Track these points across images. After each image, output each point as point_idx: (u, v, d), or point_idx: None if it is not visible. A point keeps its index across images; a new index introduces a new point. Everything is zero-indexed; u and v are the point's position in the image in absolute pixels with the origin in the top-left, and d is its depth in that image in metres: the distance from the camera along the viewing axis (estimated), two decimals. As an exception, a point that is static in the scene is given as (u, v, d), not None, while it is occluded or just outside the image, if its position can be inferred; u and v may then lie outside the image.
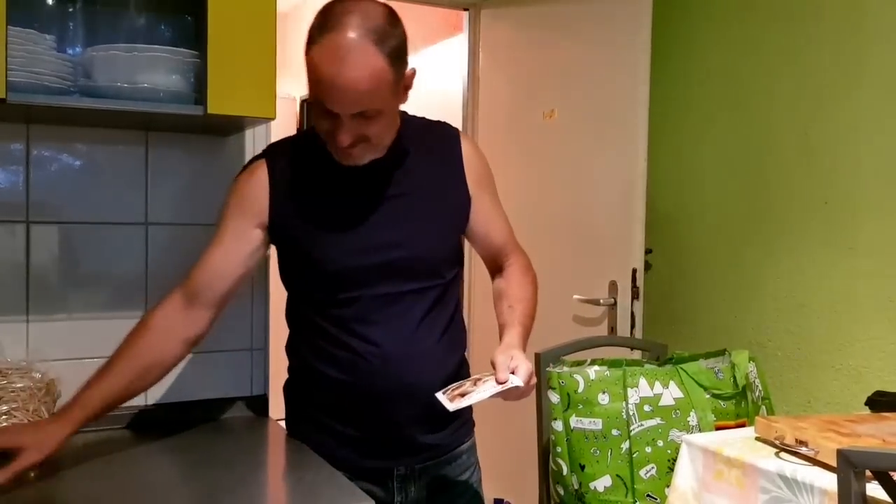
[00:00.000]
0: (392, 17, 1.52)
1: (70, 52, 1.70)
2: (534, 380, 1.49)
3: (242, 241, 1.63)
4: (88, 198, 1.83)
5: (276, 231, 1.64)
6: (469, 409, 1.64)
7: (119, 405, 1.58)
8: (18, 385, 1.63)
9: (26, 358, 1.75)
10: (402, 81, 1.55)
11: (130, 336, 1.60)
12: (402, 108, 1.66)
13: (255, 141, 1.98)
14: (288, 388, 1.81)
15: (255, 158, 1.68)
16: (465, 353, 1.80)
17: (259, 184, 1.63)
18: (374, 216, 1.62)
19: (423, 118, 1.77)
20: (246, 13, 1.63)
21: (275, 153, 1.67)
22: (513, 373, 1.46)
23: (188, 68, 1.66)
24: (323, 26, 1.44)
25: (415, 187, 1.66)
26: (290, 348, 1.79)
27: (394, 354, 1.62)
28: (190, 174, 1.92)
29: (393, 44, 1.48)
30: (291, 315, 1.76)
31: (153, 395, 1.88)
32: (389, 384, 1.63)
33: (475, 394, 1.46)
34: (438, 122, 1.79)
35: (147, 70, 1.62)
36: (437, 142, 1.73)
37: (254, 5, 1.64)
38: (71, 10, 1.74)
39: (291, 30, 6.43)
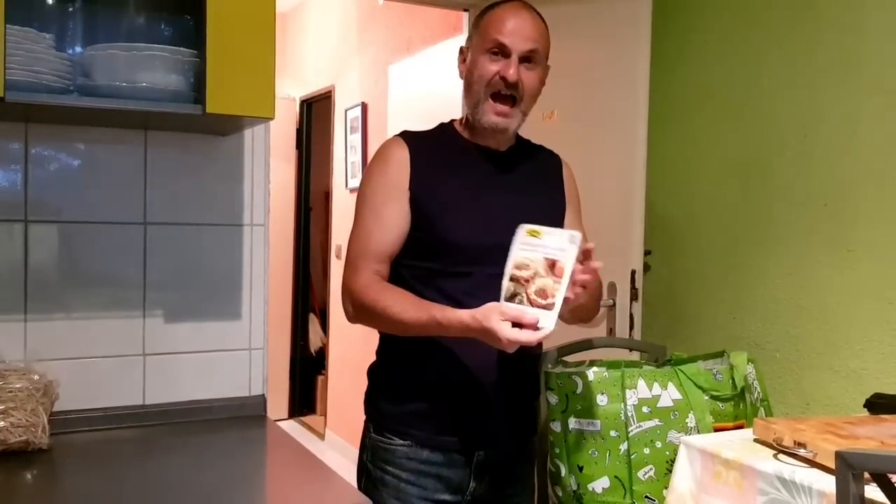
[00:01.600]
0: None
1: (69, 51, 1.70)
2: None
3: (405, 216, 1.79)
4: (87, 197, 1.83)
5: (415, 202, 1.79)
6: (534, 414, 1.92)
7: None
8: (17, 386, 1.63)
9: (24, 357, 1.75)
10: (547, 63, 1.87)
11: (385, 290, 1.75)
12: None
13: (254, 141, 1.98)
14: (378, 366, 1.92)
15: (391, 144, 1.85)
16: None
17: (402, 166, 1.80)
18: (494, 201, 1.81)
19: (530, 140, 2.01)
20: (245, 13, 1.63)
21: (411, 136, 1.86)
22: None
23: (187, 68, 1.66)
24: (494, 4, 1.82)
25: (528, 185, 1.88)
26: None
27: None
28: (189, 174, 1.92)
29: (547, 32, 1.86)
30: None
31: (152, 396, 1.88)
32: (487, 358, 1.76)
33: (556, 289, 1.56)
34: (541, 145, 2.03)
35: (146, 69, 1.62)
36: (546, 157, 2.00)
37: (253, 5, 1.64)
38: (70, 9, 1.74)
39: (291, 31, 6.44)
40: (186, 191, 1.91)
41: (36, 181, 1.79)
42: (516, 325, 1.54)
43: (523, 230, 1.62)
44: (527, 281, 1.57)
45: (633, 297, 2.76)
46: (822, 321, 2.33)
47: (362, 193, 1.83)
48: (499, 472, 1.87)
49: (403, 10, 4.58)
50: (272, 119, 1.72)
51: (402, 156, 1.81)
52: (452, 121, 1.94)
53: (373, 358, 1.95)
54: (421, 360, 1.81)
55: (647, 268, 2.87)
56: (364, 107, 5.18)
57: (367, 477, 1.86)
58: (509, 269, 1.59)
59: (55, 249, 1.82)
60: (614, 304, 2.79)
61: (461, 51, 1.88)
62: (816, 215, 2.34)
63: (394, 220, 1.79)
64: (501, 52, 1.77)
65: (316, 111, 6.29)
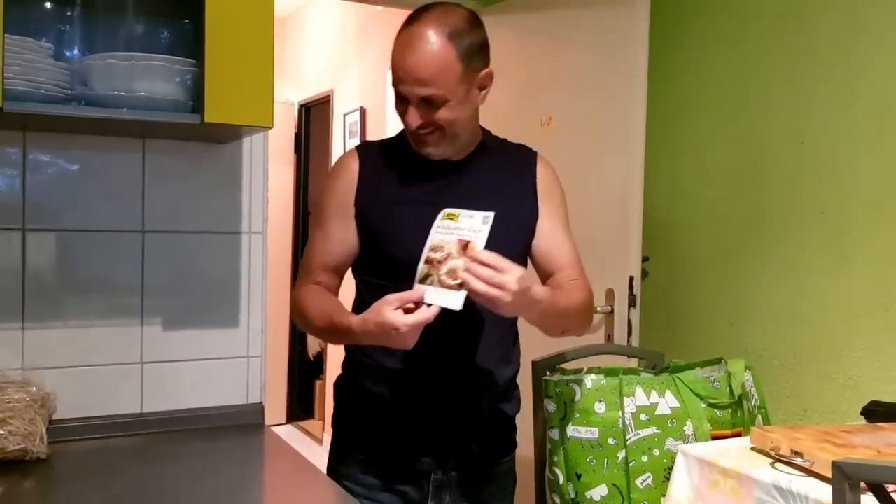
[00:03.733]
0: (472, 20, 1.67)
1: (67, 57, 1.70)
2: (506, 286, 1.46)
3: (351, 231, 1.76)
4: (85, 205, 1.83)
5: (360, 217, 1.74)
6: (513, 425, 1.84)
7: None
8: (14, 397, 1.63)
9: (22, 365, 1.75)
10: (474, 79, 1.66)
11: (311, 299, 1.74)
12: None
13: (252, 149, 1.98)
14: (340, 383, 1.89)
15: (344, 156, 1.82)
16: (517, 375, 1.85)
17: (350, 178, 1.76)
18: None
19: (506, 139, 1.88)
20: (243, 21, 1.63)
21: (366, 149, 1.82)
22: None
23: (185, 76, 1.66)
24: (405, 23, 1.65)
25: (488, 193, 1.73)
26: (348, 348, 1.86)
27: (453, 349, 1.71)
28: (187, 182, 1.92)
29: (466, 41, 1.62)
30: (358, 309, 1.73)
31: (149, 404, 1.88)
32: (445, 377, 1.72)
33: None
34: (520, 143, 1.89)
35: (144, 78, 1.62)
36: (516, 157, 1.85)
37: (251, 14, 1.64)
38: (68, 17, 1.74)
39: (290, 35, 6.45)
40: (185, 198, 1.91)
41: (34, 189, 1.79)
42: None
43: (442, 214, 1.59)
44: (439, 263, 1.52)
45: (631, 303, 2.76)
46: (819, 329, 2.33)
47: (315, 204, 1.81)
48: (460, 494, 1.79)
49: (402, 15, 4.57)
50: (271, 128, 1.72)
51: (351, 169, 1.76)
52: None
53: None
54: (382, 374, 1.75)
55: (644, 274, 2.87)
56: (363, 111, 5.19)
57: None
58: (425, 253, 1.55)
59: (53, 257, 1.81)
60: (612, 311, 2.79)
61: None
62: (813, 223, 2.35)
63: (338, 235, 1.76)
64: (401, 97, 1.65)
65: (315, 115, 6.30)
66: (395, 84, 1.65)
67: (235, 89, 1.62)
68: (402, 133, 1.77)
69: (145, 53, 1.65)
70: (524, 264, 1.76)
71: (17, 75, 1.51)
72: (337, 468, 1.83)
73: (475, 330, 1.74)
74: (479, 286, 1.45)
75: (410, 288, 1.54)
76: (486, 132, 1.83)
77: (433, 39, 1.59)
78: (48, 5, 1.74)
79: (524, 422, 2.20)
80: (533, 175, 1.82)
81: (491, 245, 1.53)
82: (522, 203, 1.80)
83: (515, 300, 1.47)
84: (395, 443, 1.76)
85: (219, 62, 1.60)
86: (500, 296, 1.45)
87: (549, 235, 1.80)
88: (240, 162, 1.96)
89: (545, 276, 1.81)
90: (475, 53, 1.64)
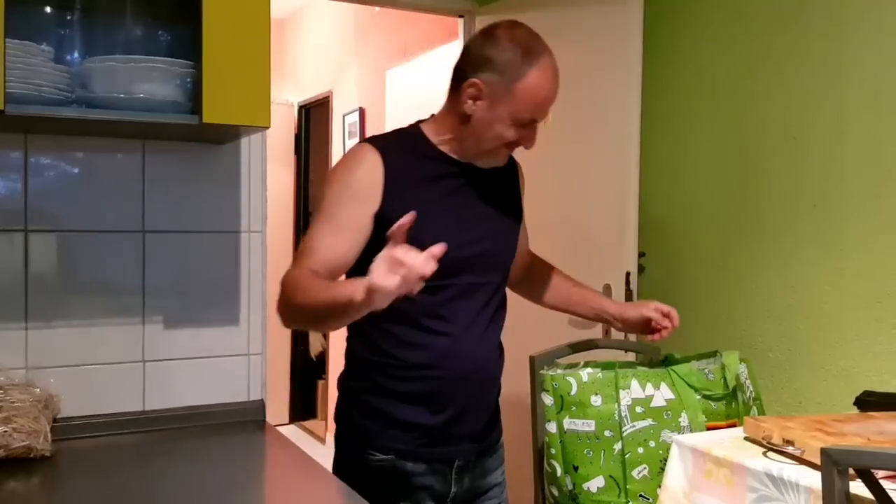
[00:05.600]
0: None
1: (67, 61, 1.72)
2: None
3: (363, 227, 1.71)
4: (86, 206, 1.85)
5: (384, 217, 1.67)
6: (498, 408, 1.97)
7: None
8: (19, 398, 1.66)
9: (25, 365, 1.78)
10: None
11: (306, 283, 1.60)
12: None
13: (251, 148, 2.00)
14: (349, 379, 1.88)
15: (361, 149, 1.77)
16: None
17: (374, 172, 1.73)
18: (469, 213, 1.82)
19: None
20: (240, 23, 1.66)
21: (384, 146, 1.77)
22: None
23: (184, 78, 1.69)
24: (530, 52, 1.73)
25: (496, 194, 1.88)
26: (359, 339, 1.85)
27: (469, 340, 1.79)
28: (186, 182, 1.94)
29: None
30: None
31: (151, 401, 1.90)
32: (463, 367, 1.78)
33: None
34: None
35: (143, 80, 1.65)
36: (510, 166, 1.95)
37: (248, 15, 1.66)
38: (68, 21, 1.76)
39: (289, 36, 6.47)
40: (184, 199, 1.94)
41: (35, 191, 1.81)
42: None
43: None
44: None
45: (628, 298, 2.78)
46: (813, 321, 2.36)
47: (322, 196, 1.75)
48: (475, 471, 1.90)
49: (400, 16, 4.61)
50: (268, 128, 1.75)
51: (373, 164, 1.73)
52: (419, 123, 1.87)
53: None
54: (392, 374, 1.78)
55: (641, 269, 2.89)
56: (362, 112, 5.21)
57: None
58: None
59: (55, 258, 1.84)
60: (610, 306, 2.81)
61: (474, 85, 1.73)
62: (806, 216, 2.37)
63: (350, 230, 1.71)
64: (528, 123, 1.76)
65: (314, 116, 6.32)
66: (531, 113, 1.75)
67: (233, 90, 1.65)
68: (410, 133, 1.84)
69: (144, 56, 1.67)
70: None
71: (17, 79, 1.53)
72: (358, 472, 1.79)
73: (492, 324, 1.87)
74: None
75: (436, 284, 1.59)
76: None
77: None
78: (48, 10, 1.77)
79: (522, 416, 2.22)
80: (516, 176, 2.00)
81: (503, 234, 1.89)
82: (517, 201, 1.99)
83: None
84: (419, 439, 1.79)
85: (216, 63, 1.63)
86: None
87: (524, 227, 2.05)
88: (238, 162, 1.99)
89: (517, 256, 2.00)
90: None
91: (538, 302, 2.15)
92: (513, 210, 1.95)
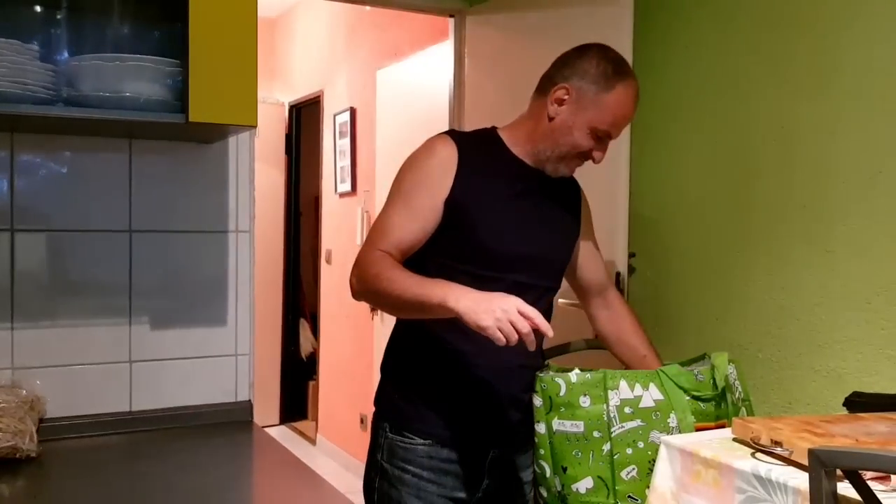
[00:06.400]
0: None
1: (54, 59, 1.71)
2: None
3: (435, 212, 1.81)
4: (73, 205, 1.84)
5: (454, 202, 1.80)
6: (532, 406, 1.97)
7: None
8: (4, 398, 1.65)
9: (11, 365, 1.77)
10: None
11: (390, 274, 1.72)
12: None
13: (238, 148, 2.00)
14: (394, 363, 1.95)
15: (440, 139, 1.88)
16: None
17: (449, 160, 1.82)
18: (529, 212, 1.90)
19: None
20: (227, 22, 1.65)
21: (460, 138, 1.89)
22: None
23: (171, 77, 1.68)
24: (620, 71, 1.86)
25: (557, 205, 1.98)
26: (404, 324, 1.93)
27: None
28: (173, 182, 1.93)
29: None
30: None
31: (137, 402, 1.90)
32: (505, 359, 1.80)
33: None
34: None
35: (130, 79, 1.64)
36: (568, 181, 2.03)
37: (234, 14, 1.66)
38: (55, 19, 1.76)
39: (280, 36, 6.46)
40: (172, 198, 1.93)
41: (22, 190, 1.81)
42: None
43: None
44: None
45: (618, 299, 2.78)
46: (803, 322, 2.36)
47: (401, 180, 1.84)
48: (508, 468, 1.94)
49: (391, 15, 4.61)
50: (255, 127, 1.74)
51: (450, 154, 1.83)
52: (494, 128, 1.98)
53: (364, 362, 1.99)
54: (437, 359, 1.86)
55: (631, 270, 2.89)
56: (353, 111, 5.20)
57: (383, 475, 1.88)
58: None
59: (42, 258, 1.83)
60: (600, 307, 2.81)
61: (566, 89, 1.86)
62: (796, 217, 2.37)
63: (424, 215, 1.80)
64: (606, 136, 1.86)
65: (305, 116, 6.31)
66: (609, 127, 1.85)
67: (220, 89, 1.64)
68: (487, 133, 1.96)
69: (131, 55, 1.66)
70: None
71: (4, 77, 1.53)
72: (395, 454, 1.87)
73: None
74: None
75: (489, 275, 1.76)
76: None
77: None
78: (35, 8, 1.76)
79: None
80: (578, 201, 2.09)
81: (562, 242, 2.00)
82: (574, 219, 2.06)
83: None
84: (457, 427, 1.85)
85: (203, 62, 1.62)
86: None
87: (584, 248, 2.10)
88: (226, 161, 1.98)
89: (574, 282, 2.12)
90: None
91: (608, 344, 2.20)
92: (572, 222, 2.04)
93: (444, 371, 1.86)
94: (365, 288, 1.76)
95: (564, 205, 2.02)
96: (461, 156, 1.83)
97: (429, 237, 1.82)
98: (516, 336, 1.55)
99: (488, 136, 1.95)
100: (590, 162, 1.92)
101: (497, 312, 1.54)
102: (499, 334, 1.54)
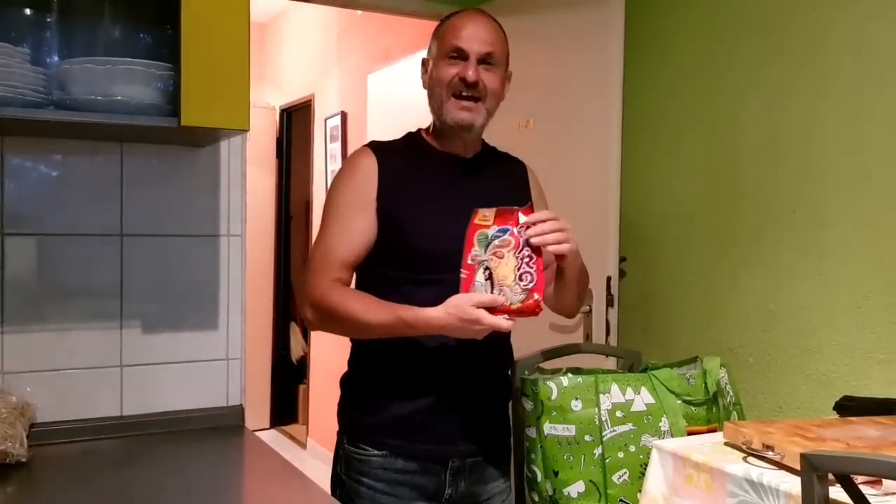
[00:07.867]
0: None
1: (45, 62, 1.71)
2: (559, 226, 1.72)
3: (369, 224, 1.82)
4: (63, 209, 1.83)
5: (384, 211, 1.81)
6: (506, 415, 1.98)
7: None
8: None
9: (1, 369, 1.75)
10: (508, 67, 1.90)
11: (348, 294, 1.78)
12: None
13: (230, 152, 1.99)
14: (350, 375, 1.94)
15: (358, 152, 1.89)
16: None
17: (369, 172, 1.83)
18: (461, 208, 1.78)
19: (495, 147, 2.04)
20: (219, 26, 1.64)
21: (379, 148, 1.89)
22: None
23: (162, 80, 1.67)
24: (460, 11, 1.88)
25: (494, 192, 1.88)
26: (363, 340, 1.90)
27: (483, 341, 1.76)
28: (165, 185, 1.93)
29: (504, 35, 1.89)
30: None
31: (129, 406, 1.89)
32: (460, 362, 1.81)
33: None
34: (505, 152, 2.06)
35: (121, 82, 1.63)
36: (508, 164, 2.04)
37: (227, 18, 1.65)
38: (46, 22, 1.75)
39: (271, 40, 6.45)
40: (163, 202, 1.92)
41: (12, 194, 1.79)
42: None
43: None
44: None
45: (609, 303, 2.79)
46: (793, 326, 2.37)
47: (330, 201, 1.86)
48: (473, 476, 1.90)
49: (382, 20, 4.61)
50: (247, 131, 1.73)
51: (370, 165, 1.84)
52: (419, 129, 1.97)
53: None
54: (393, 369, 1.83)
55: (622, 274, 2.90)
56: (344, 115, 5.20)
57: (342, 488, 1.87)
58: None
59: (31, 262, 1.82)
60: (590, 311, 2.82)
61: (423, 62, 1.92)
62: (786, 222, 2.38)
63: (359, 229, 1.81)
64: (460, 55, 1.81)
65: (296, 120, 6.30)
66: (453, 47, 1.81)
67: (212, 93, 1.63)
68: (410, 135, 1.95)
69: (122, 58, 1.66)
70: None
71: (-6, 80, 1.52)
72: (351, 466, 1.86)
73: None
74: (554, 241, 1.69)
75: (430, 279, 1.76)
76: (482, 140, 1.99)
77: (491, 20, 1.86)
78: (26, 11, 1.75)
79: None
80: (526, 182, 2.03)
81: None
82: (516, 201, 1.90)
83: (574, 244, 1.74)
84: (412, 436, 1.82)
85: (195, 66, 1.61)
86: (571, 243, 1.74)
87: None
88: (218, 165, 1.97)
89: None
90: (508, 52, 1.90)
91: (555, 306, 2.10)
92: (514, 202, 1.90)
93: (399, 381, 1.83)
94: (326, 319, 1.79)
95: (503, 187, 1.95)
96: (381, 164, 1.83)
97: (371, 246, 1.82)
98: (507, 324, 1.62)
99: (411, 138, 1.95)
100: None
101: (464, 328, 1.62)
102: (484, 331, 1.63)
